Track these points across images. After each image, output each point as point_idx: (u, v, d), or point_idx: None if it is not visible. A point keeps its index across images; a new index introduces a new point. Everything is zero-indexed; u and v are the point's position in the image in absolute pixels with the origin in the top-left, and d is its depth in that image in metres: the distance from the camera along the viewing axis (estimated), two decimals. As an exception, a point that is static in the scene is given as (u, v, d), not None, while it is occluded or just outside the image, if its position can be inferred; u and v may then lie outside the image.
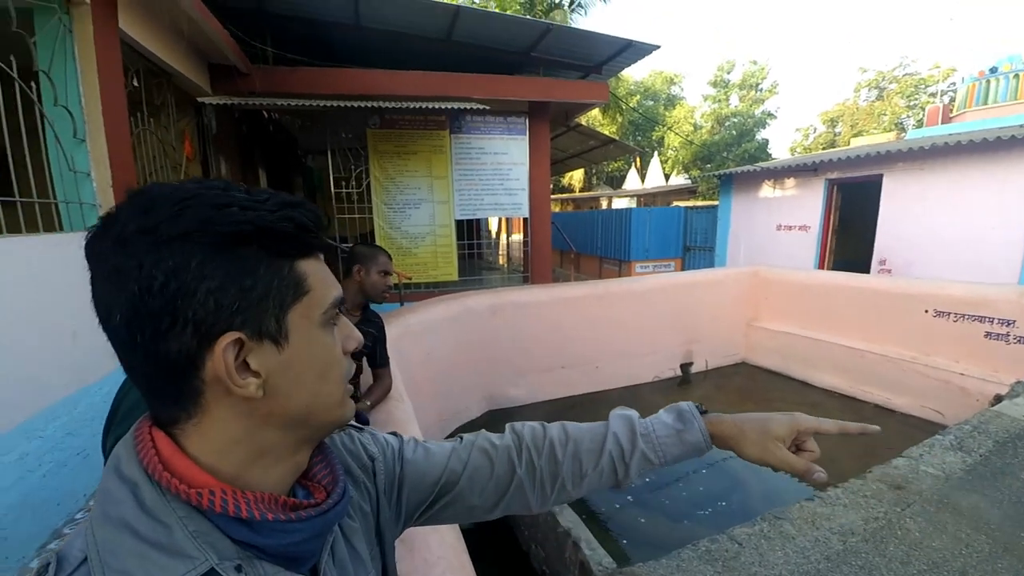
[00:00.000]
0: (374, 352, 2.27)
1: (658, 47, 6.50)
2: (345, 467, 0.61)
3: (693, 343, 5.54)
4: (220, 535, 0.44)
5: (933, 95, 23.44)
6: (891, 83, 27.48)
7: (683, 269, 12.00)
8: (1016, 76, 8.98)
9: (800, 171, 9.48)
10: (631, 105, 25.08)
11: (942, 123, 10.49)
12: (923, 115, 12.26)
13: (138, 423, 0.49)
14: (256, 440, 0.48)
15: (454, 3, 6.40)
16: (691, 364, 5.56)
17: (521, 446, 0.74)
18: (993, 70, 9.37)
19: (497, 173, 6.64)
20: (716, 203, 12.04)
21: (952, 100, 10.66)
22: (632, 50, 6.58)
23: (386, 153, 5.96)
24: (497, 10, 14.12)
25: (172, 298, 0.42)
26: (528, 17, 9.36)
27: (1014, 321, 3.87)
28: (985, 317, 4.08)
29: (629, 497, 3.17)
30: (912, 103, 26.23)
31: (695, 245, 12.52)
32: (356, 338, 0.55)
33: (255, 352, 0.45)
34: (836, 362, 4.97)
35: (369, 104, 5.14)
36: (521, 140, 6.69)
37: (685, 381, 5.45)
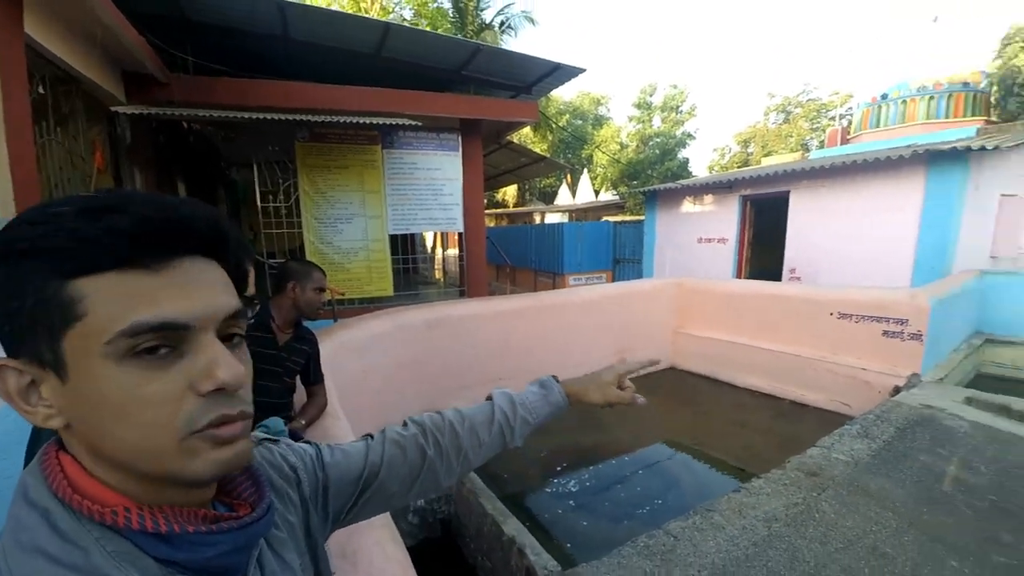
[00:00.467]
0: (307, 369, 2.21)
1: (584, 70, 6.79)
2: (268, 480, 0.59)
3: (625, 351, 5.75)
4: (140, 554, 0.43)
5: (833, 119, 25.83)
6: (796, 107, 30.09)
7: (613, 280, 12.45)
8: (903, 102, 10.10)
9: (717, 188, 10.15)
10: (561, 124, 25.91)
11: (841, 144, 11.60)
12: (824, 137, 13.50)
13: (44, 448, 0.47)
14: (116, 469, 0.45)
15: (383, 20, 6.39)
16: (624, 371, 5.75)
17: (426, 431, 0.82)
18: (884, 96, 10.50)
19: (431, 188, 6.64)
20: (643, 218, 12.62)
21: (850, 123, 11.81)
22: (560, 72, 6.85)
23: (316, 167, 5.81)
24: (428, 28, 14.20)
25: None
26: (459, 37, 9.50)
27: (907, 320, 4.30)
28: (882, 318, 4.50)
29: (571, 502, 3.23)
30: (815, 126, 28.85)
31: (624, 258, 13.04)
32: (215, 378, 0.44)
33: (46, 381, 0.43)
34: (755, 364, 5.33)
35: (297, 117, 5.01)
36: (454, 156, 6.74)
37: (619, 387, 5.62)
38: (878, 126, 10.54)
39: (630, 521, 2.92)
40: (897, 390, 4.08)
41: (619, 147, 30.21)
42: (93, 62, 3.88)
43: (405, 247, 7.37)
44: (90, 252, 0.41)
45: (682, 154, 29.13)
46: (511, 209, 25.69)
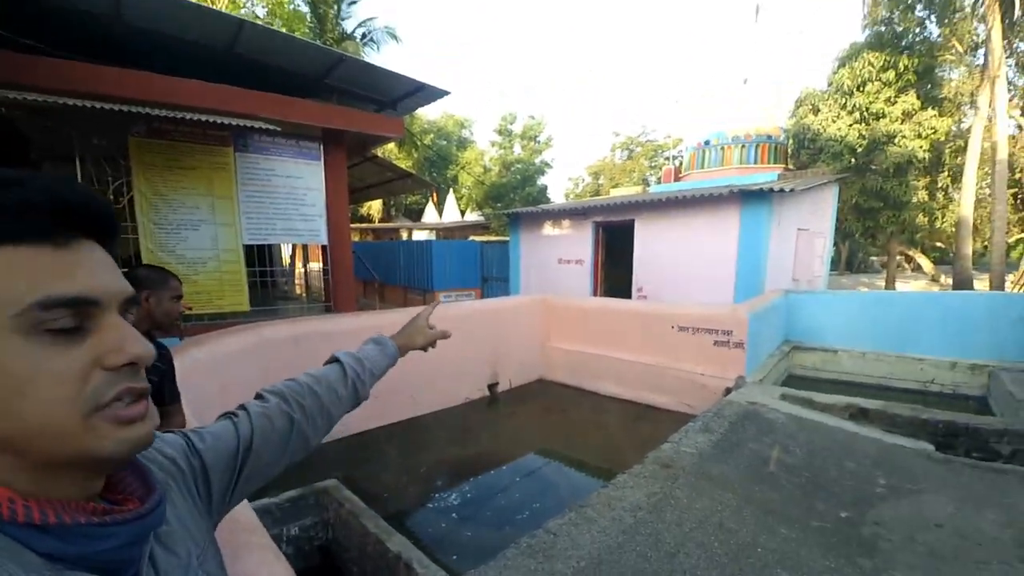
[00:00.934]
0: (161, 388, 1.92)
1: (448, 92, 6.94)
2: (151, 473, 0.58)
3: (497, 364, 5.89)
4: (22, 548, 0.40)
5: (667, 158, 29.44)
6: (637, 146, 33.76)
7: (482, 297, 12.68)
8: (721, 148, 11.87)
9: (573, 214, 10.93)
10: (425, 142, 25.96)
11: (675, 180, 13.22)
12: (661, 174, 15.34)
13: None
14: (2, 453, 0.42)
15: (235, 15, 5.89)
16: (497, 384, 5.88)
17: (286, 397, 0.84)
18: (707, 143, 12.23)
19: (291, 197, 6.22)
20: (508, 239, 13.11)
21: (681, 163, 13.58)
22: (425, 92, 6.92)
23: (155, 166, 5.11)
24: (284, 30, 13.39)
25: None
26: (319, 43, 9.08)
27: (731, 331, 5.00)
28: (713, 329, 5.16)
29: (453, 515, 3.19)
30: (653, 163, 32.63)
31: (492, 276, 13.38)
32: (126, 352, 0.45)
33: None
34: (614, 372, 5.80)
35: (132, 109, 4.37)
36: (315, 165, 6.41)
37: (493, 400, 5.73)
38: (703, 167, 12.27)
39: (512, 527, 2.98)
40: (728, 391, 4.71)
41: (483, 170, 31.16)
42: None
43: (262, 259, 6.76)
44: (3, 223, 0.41)
45: (541, 180, 30.99)
46: (377, 224, 24.95)
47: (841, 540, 2.43)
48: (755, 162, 11.58)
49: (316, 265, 9.58)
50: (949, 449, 3.50)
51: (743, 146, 11.69)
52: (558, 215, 11.33)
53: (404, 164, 20.27)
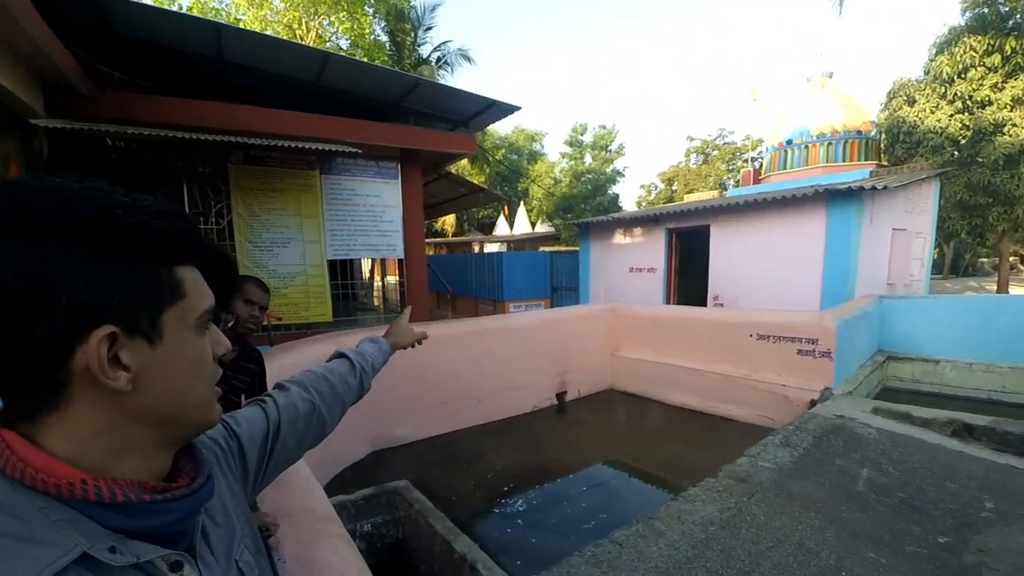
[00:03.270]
0: (254, 386, 2.14)
1: (519, 108, 7.10)
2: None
3: (566, 373, 5.89)
4: (88, 521, 0.45)
5: (746, 161, 28.09)
6: (713, 150, 32.53)
7: (552, 307, 12.72)
8: (806, 147, 11.23)
9: (645, 222, 10.73)
10: (497, 157, 26.52)
11: (754, 183, 12.66)
12: (739, 177, 14.70)
13: None
14: (121, 434, 0.49)
15: (322, 49, 6.41)
16: (565, 393, 5.88)
17: (306, 387, 0.94)
18: (789, 142, 11.62)
19: (370, 215, 6.61)
20: (577, 249, 13.07)
21: (761, 165, 12.97)
22: (495, 109, 7.12)
23: (250, 190, 5.65)
24: (365, 59, 14.32)
25: (47, 285, 0.43)
26: (397, 70, 9.65)
27: (817, 339, 4.71)
28: (796, 338, 4.89)
29: (519, 521, 3.24)
30: (730, 167, 31.25)
31: (561, 286, 13.39)
32: (224, 344, 0.60)
33: (127, 347, 0.47)
34: (685, 383, 5.62)
35: (231, 139, 4.88)
36: (393, 184, 6.77)
37: (561, 409, 5.74)
38: (785, 168, 11.64)
39: (577, 536, 2.97)
40: (813, 403, 4.43)
41: (553, 181, 31.29)
42: (8, 71, 3.63)
43: (344, 273, 7.22)
44: (188, 246, 0.54)
45: (612, 190, 30.62)
46: (450, 238, 25.78)
47: (939, 567, 2.23)
48: (843, 160, 10.83)
49: (392, 279, 10.07)
50: (1073, 473, 3.08)
51: (830, 143, 10.99)
52: (629, 223, 11.17)
53: (477, 179, 20.84)
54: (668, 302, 10.23)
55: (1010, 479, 2.98)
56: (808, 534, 2.47)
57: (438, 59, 18.66)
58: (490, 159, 23.61)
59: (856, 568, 2.21)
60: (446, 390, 4.79)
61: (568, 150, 32.73)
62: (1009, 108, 12.63)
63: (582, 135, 32.41)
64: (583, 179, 30.70)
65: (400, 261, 7.03)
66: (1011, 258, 16.61)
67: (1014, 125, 12.44)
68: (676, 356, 5.84)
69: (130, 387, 0.47)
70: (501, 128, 31.16)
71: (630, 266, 11.09)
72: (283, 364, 3.07)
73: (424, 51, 18.78)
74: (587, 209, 28.42)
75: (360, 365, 1.10)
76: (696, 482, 2.97)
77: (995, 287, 16.40)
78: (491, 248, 21.42)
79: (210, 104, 5.25)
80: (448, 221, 26.80)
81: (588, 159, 32.29)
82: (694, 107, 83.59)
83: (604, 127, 32.08)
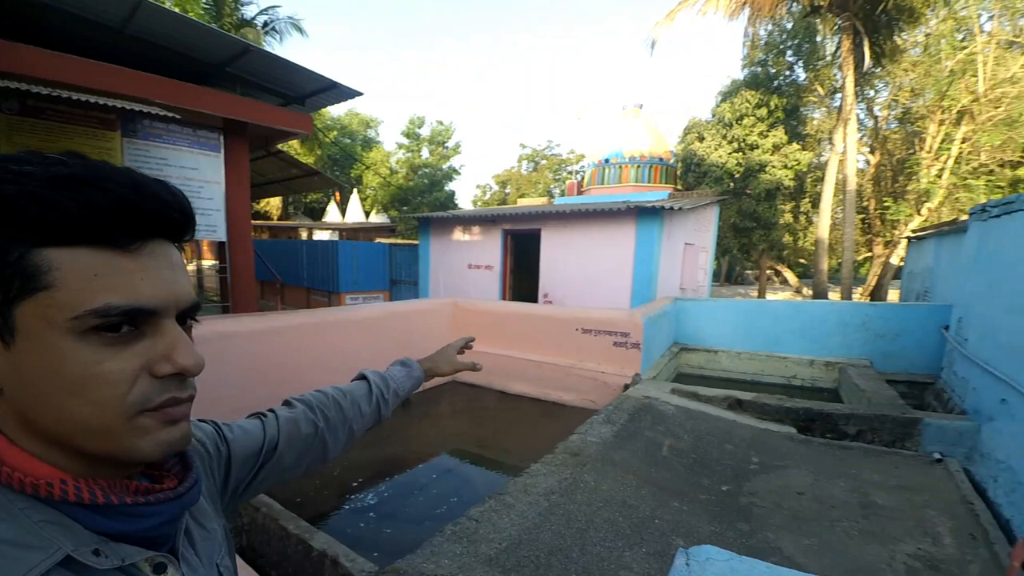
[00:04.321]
0: None
1: (361, 93, 6.84)
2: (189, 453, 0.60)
3: (409, 367, 5.86)
4: (72, 523, 0.43)
5: (571, 173, 30.69)
6: (542, 159, 34.86)
7: (391, 300, 12.46)
8: (620, 167, 12.69)
9: (483, 221, 11.14)
10: (330, 139, 24.96)
11: (577, 194, 13.93)
12: (564, 187, 16.08)
13: None
14: (49, 442, 0.44)
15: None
16: (408, 387, 5.85)
17: (313, 407, 0.89)
18: (607, 160, 13.02)
19: (186, 189, 5.72)
20: (416, 242, 13.00)
21: (583, 178, 14.34)
22: (336, 91, 6.76)
23: (29, 147, 4.51)
24: (175, 9, 12.30)
25: None
26: (219, 29, 8.49)
27: (629, 333, 5.42)
28: (612, 332, 5.55)
29: (372, 514, 3.18)
30: (557, 176, 33.83)
31: (400, 279, 13.19)
32: (176, 363, 0.45)
33: None
34: (523, 373, 6.02)
35: (4, 84, 3.86)
36: (215, 157, 6.02)
37: (407, 402, 5.68)
38: (603, 183, 13.07)
39: (431, 521, 3.03)
40: (627, 387, 5.10)
41: (389, 171, 30.51)
42: None
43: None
44: (66, 225, 0.40)
45: (449, 186, 30.94)
46: (276, 222, 23.51)
47: (723, 509, 2.80)
48: (648, 181, 12.52)
49: (210, 263, 8.86)
50: (808, 431, 4.09)
51: (638, 166, 12.60)
52: (468, 221, 11.48)
53: (306, 160, 19.36)
54: (504, 298, 10.77)
55: (769, 439, 3.85)
56: (629, 493, 2.87)
57: (265, 23, 16.87)
58: (323, 140, 22.10)
59: (666, 516, 2.65)
60: (281, 386, 4.41)
61: (405, 141, 32.20)
62: (770, 152, 15.98)
63: (419, 128, 32.14)
64: (420, 172, 30.51)
65: (222, 244, 6.26)
66: (768, 271, 21.02)
67: (773, 167, 15.77)
68: (513, 348, 6.21)
69: None
70: (334, 109, 29.39)
71: (469, 263, 11.40)
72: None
73: (249, 11, 16.83)
74: (424, 203, 28.33)
75: (379, 391, 1.02)
76: (538, 459, 3.24)
77: (756, 293, 20.60)
78: (321, 235, 20.10)
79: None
80: (273, 203, 24.43)
81: (425, 153, 32.17)
82: (526, 116, 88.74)
83: (441, 123, 32.26)
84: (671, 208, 8.59)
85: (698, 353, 7.36)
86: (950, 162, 12.58)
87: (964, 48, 12.08)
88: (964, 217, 7.38)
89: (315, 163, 20.91)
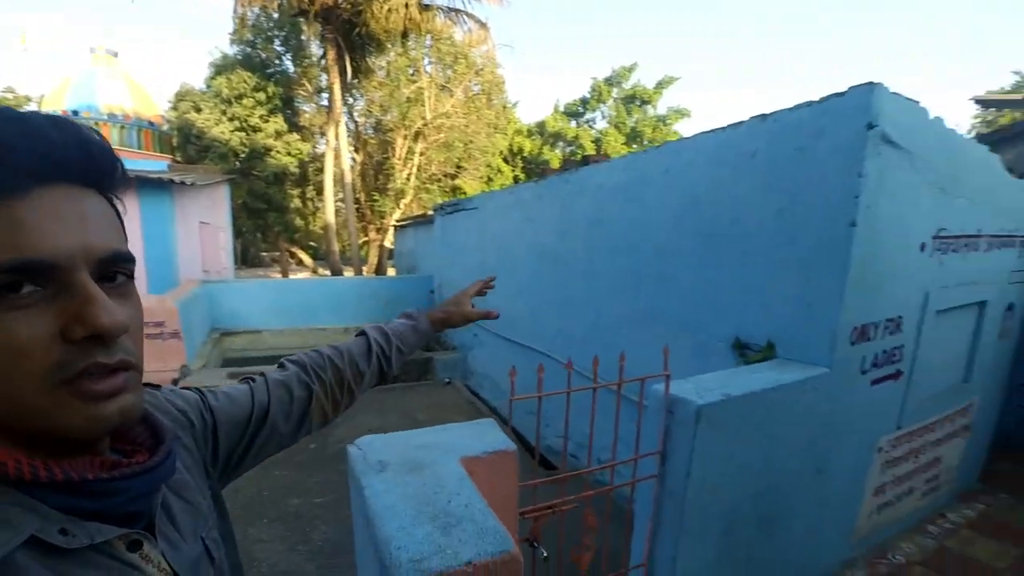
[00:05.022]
0: None
1: None
2: (163, 424, 0.55)
3: None
4: (35, 503, 0.40)
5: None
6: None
7: None
8: (96, 123, 9.91)
9: None
10: None
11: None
12: None
13: None
14: None
15: None
16: None
17: (306, 368, 0.84)
18: (75, 112, 9.77)
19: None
20: None
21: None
22: None
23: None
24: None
25: None
26: None
27: (163, 322, 4.84)
28: (143, 322, 4.82)
29: None
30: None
31: None
32: (88, 324, 0.39)
33: None
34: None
35: None
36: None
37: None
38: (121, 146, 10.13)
39: None
40: (175, 381, 4.62)
41: None
42: None
43: None
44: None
45: None
46: None
47: (322, 458, 3.29)
48: (140, 148, 10.46)
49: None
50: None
51: (123, 127, 10.25)
52: None
53: None
54: None
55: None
56: (239, 484, 3.01)
57: None
58: None
59: (274, 485, 2.83)
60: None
61: None
62: (274, 138, 16.31)
63: None
64: None
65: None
66: (285, 252, 21.64)
67: (278, 152, 16.23)
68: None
69: None
70: None
71: None
72: None
73: None
74: None
75: (380, 348, 0.93)
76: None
77: (279, 275, 20.81)
78: None
79: None
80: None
81: None
82: None
83: None
84: (182, 183, 7.83)
85: (240, 336, 7.32)
86: (415, 169, 16.68)
87: (415, 82, 16.06)
88: (430, 212, 9.98)
89: None
